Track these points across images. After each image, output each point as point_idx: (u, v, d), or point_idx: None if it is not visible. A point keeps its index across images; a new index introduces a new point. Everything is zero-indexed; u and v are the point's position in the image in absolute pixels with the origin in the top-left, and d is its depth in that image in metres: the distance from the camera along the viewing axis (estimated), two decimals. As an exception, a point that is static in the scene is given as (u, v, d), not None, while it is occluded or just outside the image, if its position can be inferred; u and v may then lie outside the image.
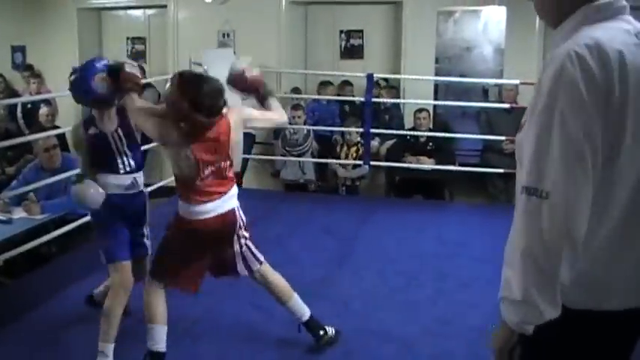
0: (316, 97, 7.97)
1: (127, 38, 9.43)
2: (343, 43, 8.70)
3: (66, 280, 4.63)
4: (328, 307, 4.25)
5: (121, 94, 3.50)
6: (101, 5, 9.27)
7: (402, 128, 7.61)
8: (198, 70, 6.62)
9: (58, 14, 9.19)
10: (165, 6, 8.84)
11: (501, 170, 7.03)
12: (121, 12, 9.48)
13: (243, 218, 3.47)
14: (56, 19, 9.20)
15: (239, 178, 7.81)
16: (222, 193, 3.32)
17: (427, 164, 7.15)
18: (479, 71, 7.93)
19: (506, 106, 7.15)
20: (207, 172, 3.24)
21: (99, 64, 3.52)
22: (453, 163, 7.33)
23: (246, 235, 3.51)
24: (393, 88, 7.94)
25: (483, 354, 3.72)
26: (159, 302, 3.42)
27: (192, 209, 3.28)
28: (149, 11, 9.34)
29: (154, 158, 8.83)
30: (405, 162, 7.18)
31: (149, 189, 6.22)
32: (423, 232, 5.97)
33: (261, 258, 3.59)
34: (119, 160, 3.65)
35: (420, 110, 7.36)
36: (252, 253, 3.55)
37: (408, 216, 6.42)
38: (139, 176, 3.76)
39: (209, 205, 3.28)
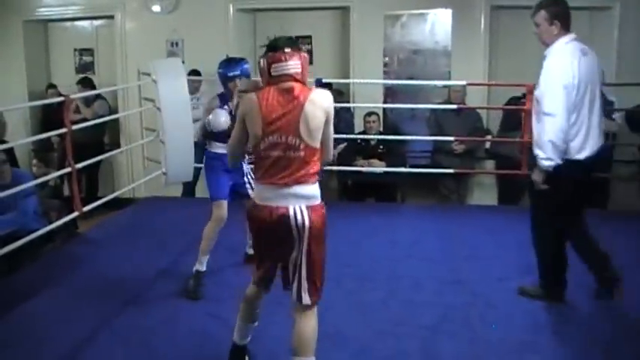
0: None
1: (75, 50, 9.34)
2: (292, 49, 8.72)
3: (15, 298, 4.56)
4: (282, 312, 4.27)
5: None
6: (47, 17, 9.14)
7: (353, 132, 7.67)
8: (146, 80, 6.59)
9: (3, 27, 9.02)
10: (112, 16, 8.77)
11: (452, 170, 7.13)
12: (68, 24, 9.35)
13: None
14: (2, 32, 9.04)
15: (192, 187, 7.82)
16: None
17: (378, 167, 7.23)
18: (427, 73, 8.02)
19: (454, 106, 7.26)
20: None
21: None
22: (404, 165, 7.41)
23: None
24: (340, 93, 7.99)
25: (437, 353, 3.81)
26: (244, 296, 3.48)
27: None
28: (96, 22, 9.23)
29: (107, 170, 8.79)
30: (356, 166, 7.24)
31: (102, 201, 6.22)
32: (376, 234, 6.04)
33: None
34: None
35: (370, 114, 7.44)
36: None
37: (361, 219, 6.47)
38: None
39: None
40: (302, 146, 3.04)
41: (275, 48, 3.07)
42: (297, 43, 3.14)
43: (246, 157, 4.76)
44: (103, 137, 8.61)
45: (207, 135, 4.77)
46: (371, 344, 3.89)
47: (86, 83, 8.30)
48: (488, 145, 7.85)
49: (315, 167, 3.14)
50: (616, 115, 7.03)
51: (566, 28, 4.18)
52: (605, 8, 7.77)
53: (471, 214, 7.08)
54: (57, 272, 5.09)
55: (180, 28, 8.46)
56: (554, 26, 4.15)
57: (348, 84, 8.10)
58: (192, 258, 5.39)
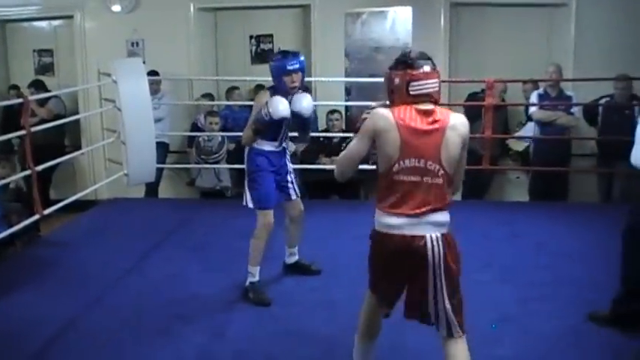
0: (230, 102, 7.97)
1: (34, 50, 9.21)
2: (254, 48, 8.73)
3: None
4: (249, 313, 4.29)
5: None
6: (5, 17, 9.02)
7: (316, 130, 7.68)
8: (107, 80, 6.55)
9: (-42, 28, 8.91)
10: (71, 16, 8.68)
11: (414, 167, 7.17)
12: (26, 24, 9.23)
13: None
14: (-43, 33, 8.93)
15: (155, 188, 7.77)
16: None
17: (342, 165, 7.24)
18: (388, 71, 8.07)
19: (415, 104, 7.30)
20: None
21: None
22: (367, 163, 7.42)
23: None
24: (306, 89, 7.98)
25: (403, 347, 3.84)
26: (364, 312, 3.37)
27: None
28: (55, 22, 9.12)
29: (69, 172, 8.70)
30: (319, 164, 7.26)
31: (63, 203, 6.16)
32: (340, 231, 6.04)
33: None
34: (281, 134, 4.56)
35: (332, 112, 7.48)
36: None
37: (325, 217, 6.46)
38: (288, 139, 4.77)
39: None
40: (441, 172, 2.87)
41: (413, 65, 2.88)
42: (431, 58, 2.94)
43: (286, 148, 4.73)
44: (63, 138, 8.51)
45: (258, 131, 4.42)
46: (337, 341, 3.90)
47: (38, 86, 8.17)
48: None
49: (449, 195, 2.99)
50: (574, 110, 7.14)
51: None
52: (561, 5, 7.89)
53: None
54: (20, 275, 5.02)
55: (141, 28, 8.40)
56: None
57: (310, 82, 8.11)
58: (156, 258, 5.40)
